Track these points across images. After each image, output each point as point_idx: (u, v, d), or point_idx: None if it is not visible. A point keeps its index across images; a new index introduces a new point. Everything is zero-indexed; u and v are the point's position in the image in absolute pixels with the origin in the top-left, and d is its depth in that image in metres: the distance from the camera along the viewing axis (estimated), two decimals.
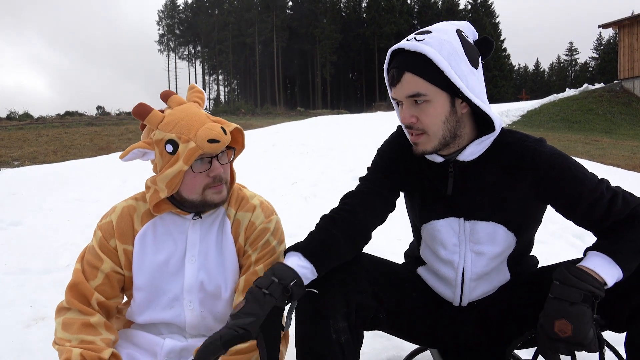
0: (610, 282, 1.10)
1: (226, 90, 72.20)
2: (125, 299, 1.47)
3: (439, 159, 1.29)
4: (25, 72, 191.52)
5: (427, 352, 1.76)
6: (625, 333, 1.18)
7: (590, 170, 1.26)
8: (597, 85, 17.97)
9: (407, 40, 1.20)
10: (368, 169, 1.42)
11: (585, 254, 1.18)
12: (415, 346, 1.77)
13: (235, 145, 1.42)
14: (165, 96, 1.37)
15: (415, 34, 1.21)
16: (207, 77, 71.30)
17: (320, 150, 8.30)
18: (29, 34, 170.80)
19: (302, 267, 1.15)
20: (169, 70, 70.30)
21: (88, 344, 1.26)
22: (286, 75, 66.77)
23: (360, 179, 1.40)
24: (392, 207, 1.39)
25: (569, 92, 17.69)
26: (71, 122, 17.38)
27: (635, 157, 7.97)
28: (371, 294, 1.30)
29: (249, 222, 1.42)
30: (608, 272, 1.10)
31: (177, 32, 68.05)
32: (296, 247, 1.20)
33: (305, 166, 6.83)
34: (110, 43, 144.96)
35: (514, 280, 1.37)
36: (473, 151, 1.26)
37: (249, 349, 1.30)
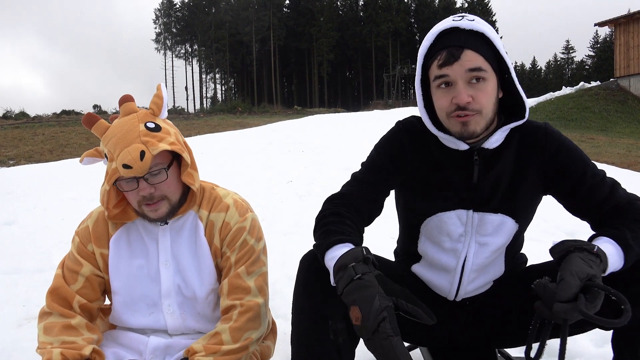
0: (609, 271, 1.09)
1: (223, 88, 72.14)
2: (108, 302, 1.47)
3: (463, 147, 1.27)
4: (22, 70, 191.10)
5: (417, 350, 1.76)
6: (612, 331, 1.19)
7: None
8: (593, 84, 17.99)
9: (453, 20, 1.21)
10: (363, 165, 1.39)
11: (594, 237, 1.16)
12: (405, 344, 1.77)
13: (182, 154, 1.31)
14: (120, 102, 1.33)
15: (459, 17, 1.22)
16: (204, 76, 71.14)
17: (317, 149, 8.30)
18: (26, 33, 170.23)
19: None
20: (165, 69, 70.33)
21: (69, 344, 1.26)
22: (283, 74, 66.77)
23: (354, 177, 1.37)
24: (379, 211, 1.36)
25: (565, 90, 17.70)
26: (67, 121, 17.35)
27: (631, 155, 8.00)
28: None
29: (223, 223, 1.39)
30: (614, 263, 1.09)
31: (174, 30, 67.82)
32: (340, 240, 1.14)
33: (301, 165, 6.83)
34: (107, 42, 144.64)
35: (506, 278, 1.37)
36: (498, 138, 1.27)
37: (238, 350, 1.30)
